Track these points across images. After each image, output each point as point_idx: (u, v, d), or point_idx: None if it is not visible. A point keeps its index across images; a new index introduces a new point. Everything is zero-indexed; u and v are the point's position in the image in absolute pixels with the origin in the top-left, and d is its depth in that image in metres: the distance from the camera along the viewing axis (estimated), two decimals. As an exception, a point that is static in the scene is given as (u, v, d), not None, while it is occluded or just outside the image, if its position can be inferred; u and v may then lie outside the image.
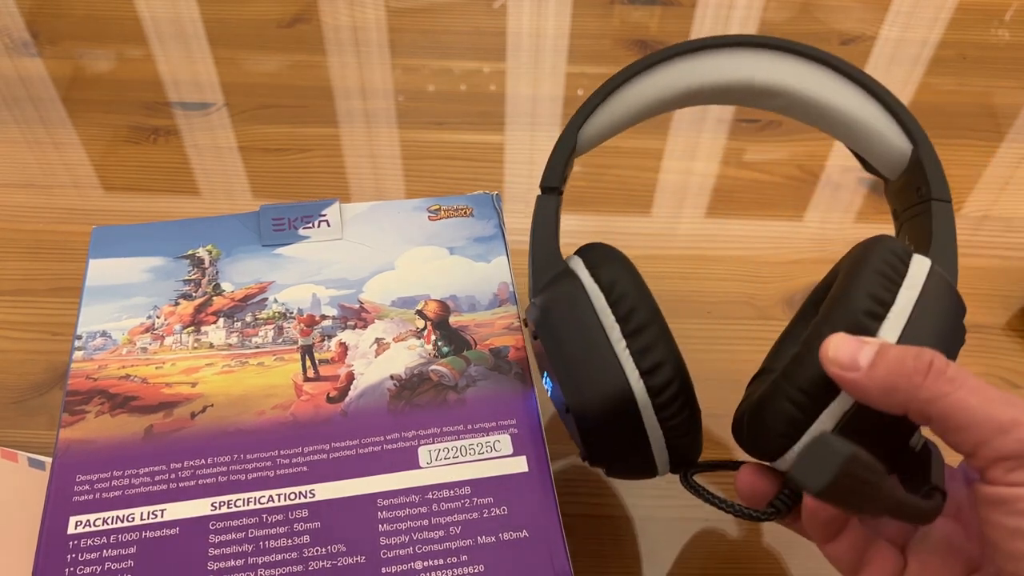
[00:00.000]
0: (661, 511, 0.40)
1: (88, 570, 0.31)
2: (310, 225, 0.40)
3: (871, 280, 0.28)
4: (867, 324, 0.27)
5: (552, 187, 0.34)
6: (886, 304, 0.27)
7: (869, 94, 0.34)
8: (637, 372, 0.29)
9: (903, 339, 0.27)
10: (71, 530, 0.32)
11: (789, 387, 0.28)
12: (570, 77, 0.61)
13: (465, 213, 0.41)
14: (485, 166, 0.55)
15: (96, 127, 0.57)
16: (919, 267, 0.29)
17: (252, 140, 0.57)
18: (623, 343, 0.29)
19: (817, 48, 0.34)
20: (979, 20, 0.66)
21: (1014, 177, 0.55)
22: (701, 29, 0.65)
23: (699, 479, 0.33)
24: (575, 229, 0.52)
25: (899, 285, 0.28)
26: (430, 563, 0.31)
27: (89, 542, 0.31)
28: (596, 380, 0.29)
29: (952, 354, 0.28)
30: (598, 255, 0.32)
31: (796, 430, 0.28)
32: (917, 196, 0.33)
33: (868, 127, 0.34)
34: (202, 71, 0.61)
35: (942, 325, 0.27)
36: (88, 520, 0.32)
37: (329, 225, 0.40)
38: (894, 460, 0.28)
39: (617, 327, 0.29)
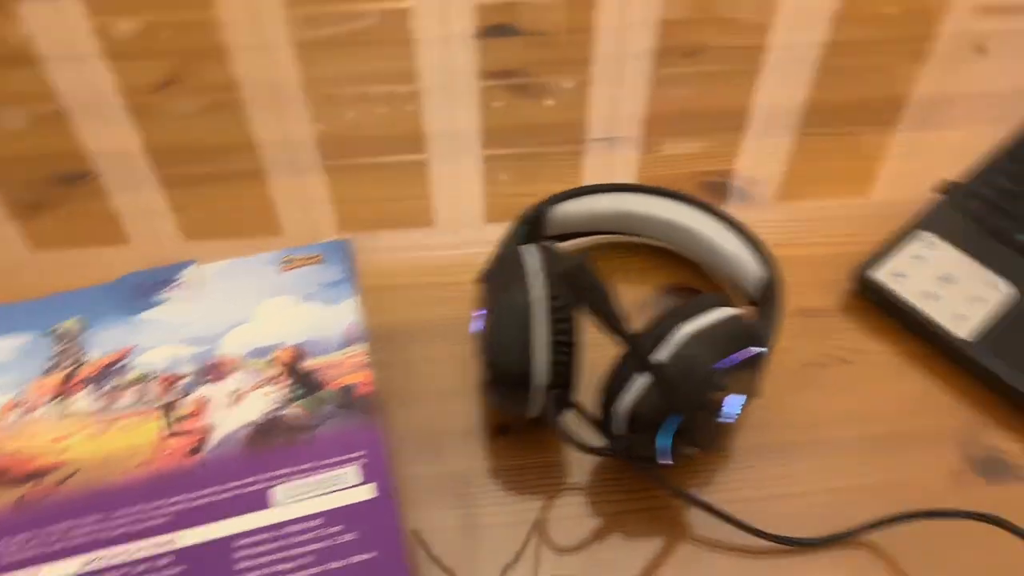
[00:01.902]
0: (500, 518, 0.44)
1: (-33, 637, 0.33)
2: (170, 288, 0.43)
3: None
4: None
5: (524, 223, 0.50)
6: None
7: (740, 235, 0.50)
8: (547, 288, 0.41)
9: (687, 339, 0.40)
10: (-51, 603, 0.34)
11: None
12: (483, 116, 0.65)
13: (316, 261, 0.45)
14: (357, 206, 0.58)
15: (-22, 206, 0.59)
16: (733, 310, 0.41)
17: (128, 206, 0.59)
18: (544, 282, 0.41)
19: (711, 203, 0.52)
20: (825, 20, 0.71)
21: (820, 169, 0.60)
22: (567, 55, 0.69)
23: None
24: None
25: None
26: (285, 592, 0.34)
27: (-33, 611, 0.34)
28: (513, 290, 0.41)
29: (724, 352, 0.39)
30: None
31: (624, 381, 0.40)
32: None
33: (741, 261, 0.49)
34: (79, 142, 0.63)
35: (718, 339, 0.39)
36: (-35, 591, 0.34)
37: (188, 286, 0.43)
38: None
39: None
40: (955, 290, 0.49)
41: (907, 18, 0.72)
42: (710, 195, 0.59)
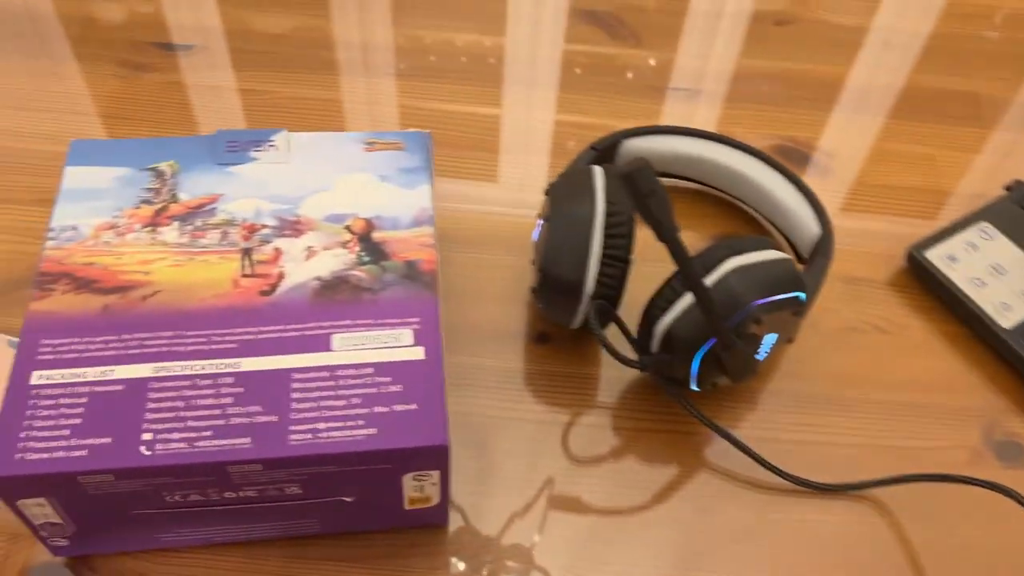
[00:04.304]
0: (529, 415, 0.46)
1: (45, 413, 0.37)
2: (260, 148, 0.46)
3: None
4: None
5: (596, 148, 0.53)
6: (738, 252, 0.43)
7: (802, 192, 0.52)
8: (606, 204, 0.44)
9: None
10: (33, 381, 0.38)
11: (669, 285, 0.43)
12: (567, 54, 0.67)
13: (398, 147, 0.47)
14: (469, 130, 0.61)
15: (90, 62, 0.63)
16: (782, 254, 0.44)
17: (232, 81, 0.62)
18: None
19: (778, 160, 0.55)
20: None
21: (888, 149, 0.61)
22: (660, 4, 0.71)
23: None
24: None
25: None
26: (331, 425, 0.37)
27: (48, 392, 0.37)
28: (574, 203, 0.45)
29: (767, 290, 0.42)
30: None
31: (669, 302, 0.43)
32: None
33: (799, 218, 0.51)
34: (199, 16, 0.67)
35: (763, 276, 0.42)
36: (48, 375, 0.38)
37: (277, 149, 0.46)
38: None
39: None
40: (1004, 281, 0.50)
41: (1016, 20, 0.72)
42: (782, 159, 0.60)
